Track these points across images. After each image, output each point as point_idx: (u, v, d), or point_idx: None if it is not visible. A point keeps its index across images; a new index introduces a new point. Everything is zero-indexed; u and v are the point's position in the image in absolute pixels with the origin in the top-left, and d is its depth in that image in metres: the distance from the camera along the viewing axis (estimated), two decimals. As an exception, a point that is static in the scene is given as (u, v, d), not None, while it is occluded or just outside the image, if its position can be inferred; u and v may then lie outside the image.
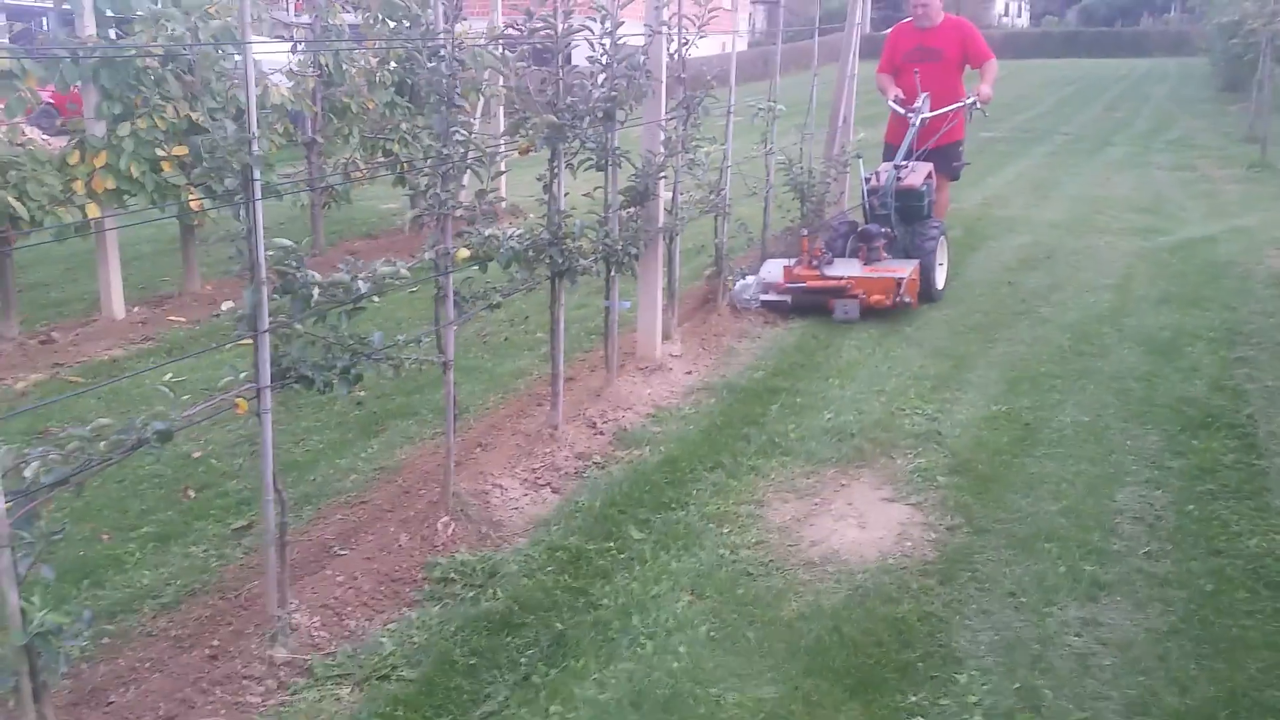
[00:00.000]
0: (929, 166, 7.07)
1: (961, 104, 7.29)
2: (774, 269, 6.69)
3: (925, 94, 7.22)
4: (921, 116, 7.15)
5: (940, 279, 6.83)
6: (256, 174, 2.84)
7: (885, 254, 6.67)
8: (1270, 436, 4.48)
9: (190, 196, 6.33)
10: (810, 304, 6.41)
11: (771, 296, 6.50)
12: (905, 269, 6.42)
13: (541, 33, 4.25)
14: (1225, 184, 11.77)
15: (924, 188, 6.89)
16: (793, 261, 6.64)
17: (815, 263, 6.54)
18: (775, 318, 6.40)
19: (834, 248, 6.82)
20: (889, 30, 8.13)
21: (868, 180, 6.99)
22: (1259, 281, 7.13)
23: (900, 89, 7.45)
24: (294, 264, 3.02)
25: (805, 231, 6.77)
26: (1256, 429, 4.56)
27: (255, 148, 2.82)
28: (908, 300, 6.28)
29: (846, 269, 6.52)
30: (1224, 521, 3.76)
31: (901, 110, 7.32)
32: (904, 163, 7.00)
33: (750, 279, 6.64)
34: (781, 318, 6.40)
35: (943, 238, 6.90)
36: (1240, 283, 7.11)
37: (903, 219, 6.91)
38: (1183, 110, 20.43)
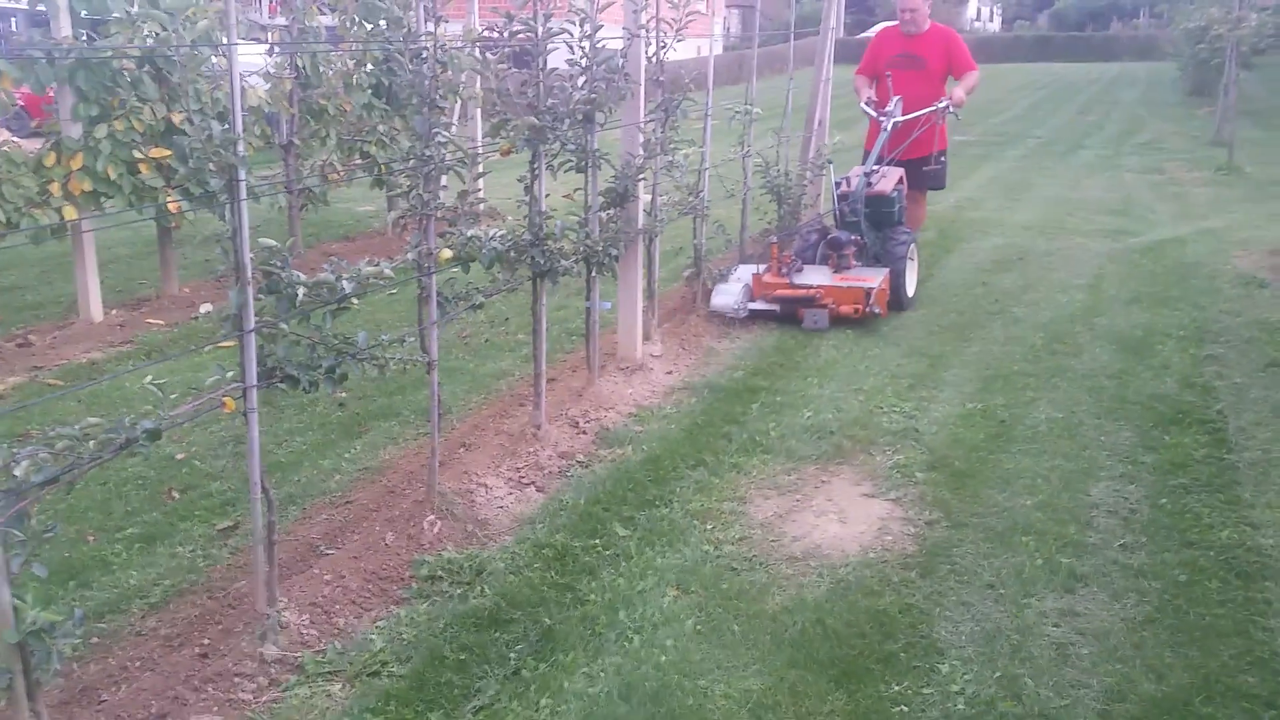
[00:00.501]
0: (900, 172, 6.99)
1: (933, 108, 7.19)
2: (745, 275, 6.60)
3: (897, 97, 7.12)
4: (893, 120, 7.06)
5: (911, 287, 6.76)
6: (241, 174, 2.86)
7: (855, 261, 6.59)
8: (1239, 431, 4.58)
9: (168, 199, 6.31)
10: (789, 312, 6.36)
11: (760, 305, 6.41)
12: (875, 278, 6.34)
13: (521, 35, 4.29)
14: (1194, 187, 11.96)
15: (894, 194, 6.81)
16: (762, 269, 6.55)
17: (784, 270, 6.46)
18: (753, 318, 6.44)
19: (804, 254, 6.74)
20: (869, 33, 8.15)
21: (838, 186, 6.92)
22: (1226, 281, 7.26)
23: (877, 93, 7.40)
24: (279, 264, 3.04)
25: (774, 239, 6.70)
26: (1226, 424, 4.66)
27: (240, 148, 2.84)
28: (877, 310, 6.20)
29: (816, 277, 6.44)
30: (1196, 514, 3.84)
31: (873, 113, 7.24)
32: (875, 167, 6.90)
33: (731, 285, 6.48)
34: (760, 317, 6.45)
35: (913, 245, 6.82)
36: (1208, 282, 7.23)
37: (873, 225, 6.83)
38: (1152, 114, 20.69)
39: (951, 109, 7.21)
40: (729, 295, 6.36)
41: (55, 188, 5.93)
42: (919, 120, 7.19)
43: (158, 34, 6.15)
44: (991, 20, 68.93)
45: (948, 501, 3.97)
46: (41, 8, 6.01)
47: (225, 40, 2.85)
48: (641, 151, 5.25)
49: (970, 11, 62.91)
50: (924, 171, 7.51)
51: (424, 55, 3.56)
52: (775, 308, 6.35)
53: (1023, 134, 17.60)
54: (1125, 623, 3.17)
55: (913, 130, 7.20)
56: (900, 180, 6.97)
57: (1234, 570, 3.45)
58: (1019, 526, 3.76)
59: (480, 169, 5.17)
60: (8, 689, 2.30)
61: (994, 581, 3.41)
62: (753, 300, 6.44)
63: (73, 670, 2.94)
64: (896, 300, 6.53)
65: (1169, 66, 27.64)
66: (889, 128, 7.03)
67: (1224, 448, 4.41)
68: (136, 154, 6.19)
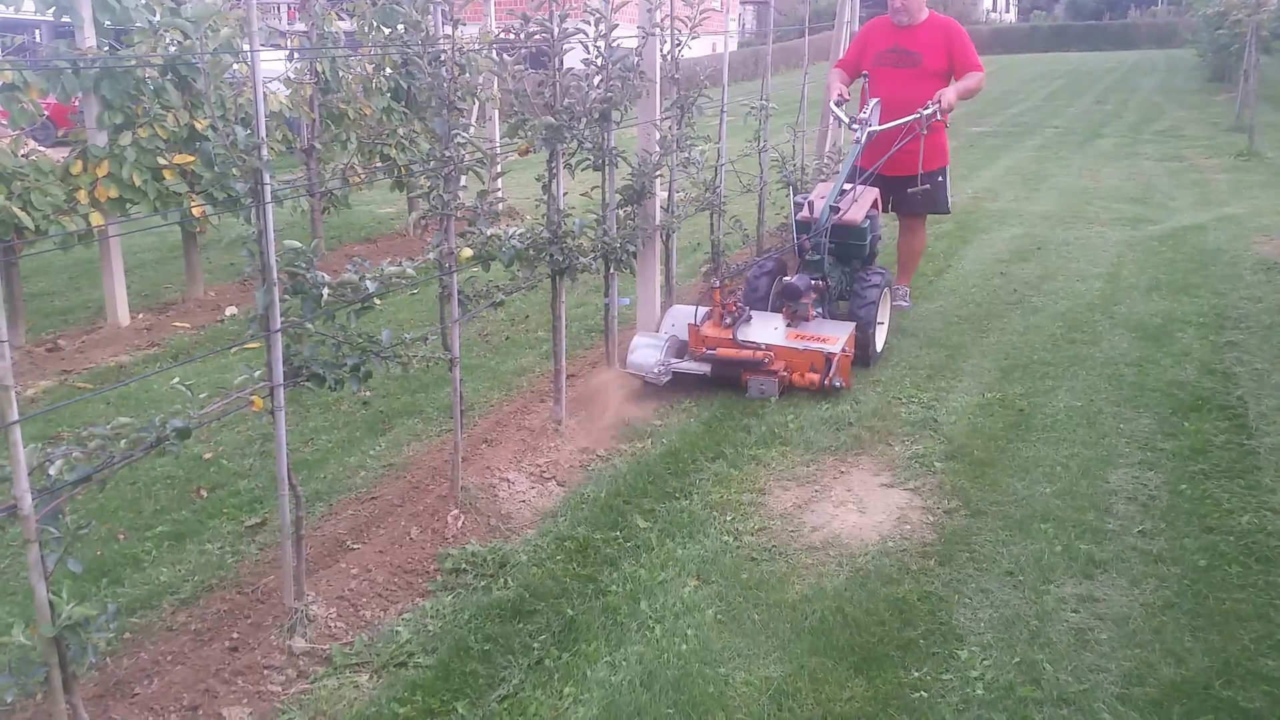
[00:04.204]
0: (874, 193, 5.79)
1: (917, 115, 5.73)
2: (681, 321, 5.30)
3: (874, 100, 5.88)
4: (868, 130, 5.74)
5: (880, 339, 5.57)
6: (267, 178, 2.92)
7: (815, 311, 5.37)
8: (1260, 417, 4.57)
9: (192, 204, 6.41)
10: (730, 376, 5.08)
11: (688, 365, 5.10)
12: (838, 337, 5.12)
13: (537, 36, 4.34)
14: (1213, 173, 11.88)
15: (865, 223, 5.61)
16: (699, 316, 5.22)
17: (729, 319, 5.14)
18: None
19: (756, 290, 5.60)
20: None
21: (798, 209, 5.67)
22: (1247, 268, 7.23)
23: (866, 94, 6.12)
24: (304, 265, 3.10)
25: (717, 282, 5.37)
26: (1246, 410, 4.65)
27: (264, 152, 2.90)
28: (839, 384, 4.99)
29: (766, 330, 5.18)
30: (1216, 500, 3.85)
31: (844, 117, 5.96)
32: (847, 187, 5.67)
33: (654, 338, 5.21)
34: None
35: (887, 289, 5.62)
36: (1229, 269, 7.21)
37: (839, 260, 5.71)
38: (1171, 101, 20.55)
39: (939, 115, 5.77)
40: (649, 352, 5.08)
41: (82, 195, 6.02)
42: (901, 130, 5.82)
43: (180, 42, 6.25)
44: (1008, 11, 68.53)
45: (966, 490, 3.99)
46: (66, 19, 6.11)
47: (247, 47, 2.91)
48: (658, 148, 5.29)
49: (986, 2, 62.55)
50: (910, 194, 5.92)
51: (442, 58, 3.62)
52: (707, 370, 5.08)
53: (1040, 124, 17.51)
54: (1144, 608, 3.19)
55: (894, 141, 5.83)
56: (875, 205, 5.80)
57: (1254, 555, 3.46)
58: (1038, 514, 3.78)
59: (499, 169, 5.22)
60: (44, 682, 2.37)
61: (1013, 569, 3.43)
62: (681, 357, 5.19)
63: (106, 664, 3.02)
64: (862, 357, 5.32)
65: (1188, 53, 27.47)
66: (863, 139, 5.72)
67: (1244, 433, 4.41)
68: (161, 160, 6.28)
